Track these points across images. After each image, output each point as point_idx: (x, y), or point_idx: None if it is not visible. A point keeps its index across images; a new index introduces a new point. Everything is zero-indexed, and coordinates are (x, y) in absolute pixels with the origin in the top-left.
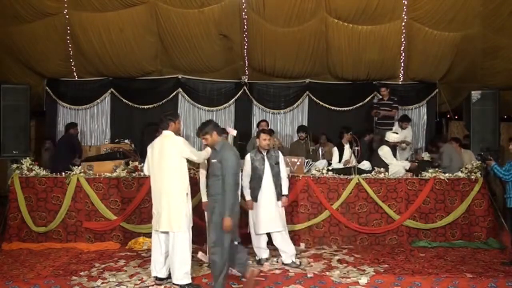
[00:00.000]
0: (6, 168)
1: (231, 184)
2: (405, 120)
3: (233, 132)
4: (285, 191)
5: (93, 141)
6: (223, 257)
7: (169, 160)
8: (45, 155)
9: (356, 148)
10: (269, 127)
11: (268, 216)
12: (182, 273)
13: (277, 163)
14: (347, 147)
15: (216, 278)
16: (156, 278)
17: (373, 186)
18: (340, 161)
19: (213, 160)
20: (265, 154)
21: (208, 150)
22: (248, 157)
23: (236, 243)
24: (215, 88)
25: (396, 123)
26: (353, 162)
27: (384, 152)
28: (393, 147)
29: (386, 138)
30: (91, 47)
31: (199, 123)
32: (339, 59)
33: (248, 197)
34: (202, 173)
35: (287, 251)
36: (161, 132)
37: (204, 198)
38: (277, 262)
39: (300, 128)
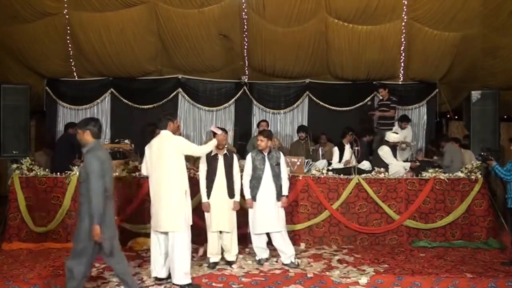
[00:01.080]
0: (6, 168)
1: (97, 188)
2: (404, 120)
3: (217, 131)
4: (285, 191)
5: None
6: (85, 268)
7: (168, 160)
8: (41, 159)
9: (357, 148)
10: (269, 127)
11: (267, 216)
12: (182, 273)
13: (278, 164)
14: (347, 147)
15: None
16: (156, 279)
17: (373, 186)
18: (340, 161)
19: (81, 164)
20: (266, 154)
21: (213, 142)
22: (249, 156)
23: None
24: (215, 88)
25: (396, 123)
26: (353, 162)
27: (384, 152)
28: (393, 147)
29: (386, 138)
30: (91, 47)
31: (199, 123)
32: (339, 59)
33: (248, 196)
34: (202, 173)
35: (286, 251)
36: (159, 132)
37: (204, 199)
38: (277, 262)
39: (300, 128)
